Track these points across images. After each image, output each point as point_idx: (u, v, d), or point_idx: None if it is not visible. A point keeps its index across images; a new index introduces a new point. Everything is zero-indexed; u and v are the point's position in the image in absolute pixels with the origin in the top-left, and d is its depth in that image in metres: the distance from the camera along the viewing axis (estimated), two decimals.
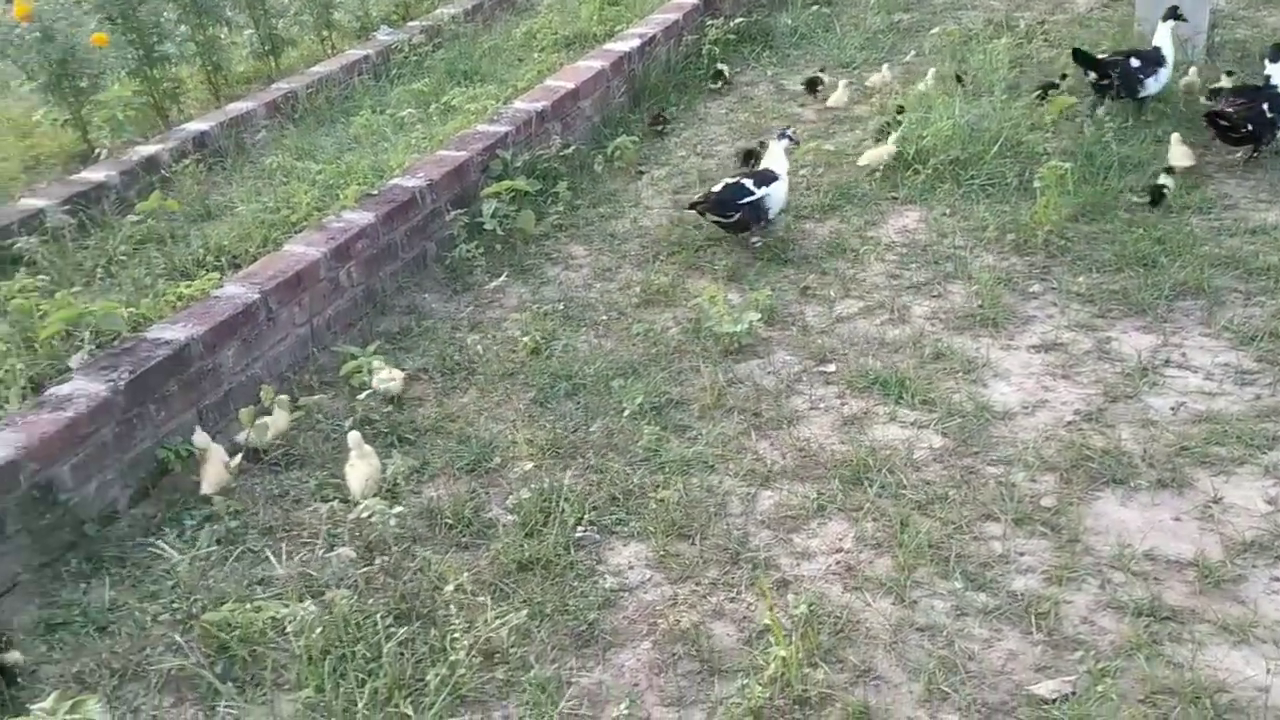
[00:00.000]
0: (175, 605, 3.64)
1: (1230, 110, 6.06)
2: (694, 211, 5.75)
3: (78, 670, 3.43)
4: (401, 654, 3.33)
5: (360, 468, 4.12)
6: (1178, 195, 5.79)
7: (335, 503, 4.04)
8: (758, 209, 5.61)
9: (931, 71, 7.38)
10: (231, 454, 4.32)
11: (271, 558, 3.81)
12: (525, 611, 3.46)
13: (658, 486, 4.07)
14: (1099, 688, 3.05)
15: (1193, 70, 6.96)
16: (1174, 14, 6.75)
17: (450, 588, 3.50)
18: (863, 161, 6.44)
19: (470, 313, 5.42)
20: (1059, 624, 3.36)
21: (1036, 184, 5.77)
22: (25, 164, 7.78)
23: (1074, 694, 3.10)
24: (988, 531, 3.75)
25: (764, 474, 4.11)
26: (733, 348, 4.89)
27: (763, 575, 3.61)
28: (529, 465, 4.22)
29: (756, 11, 9.36)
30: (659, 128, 7.42)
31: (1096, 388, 4.46)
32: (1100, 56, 6.78)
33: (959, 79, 7.23)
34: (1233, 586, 3.45)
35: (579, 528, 3.90)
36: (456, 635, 3.32)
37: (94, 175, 6.87)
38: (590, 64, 7.52)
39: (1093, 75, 6.75)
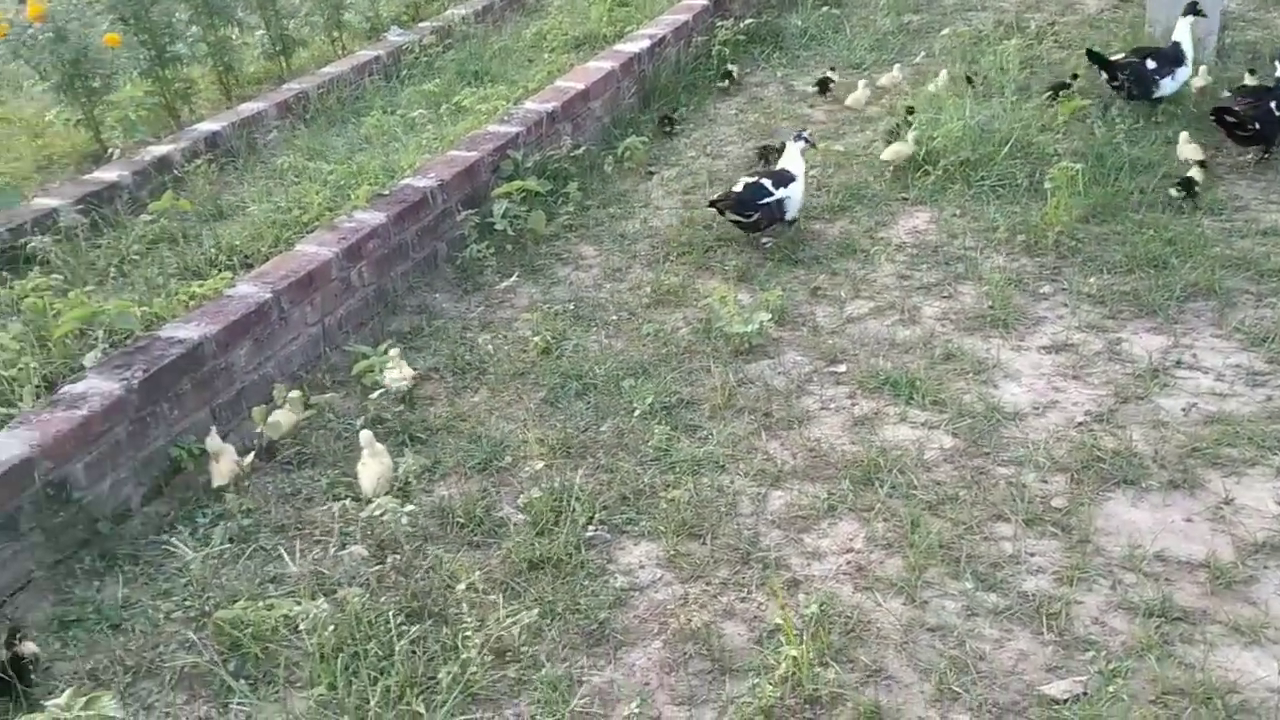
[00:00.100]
0: (188, 603, 3.66)
1: (1238, 108, 6.05)
2: (714, 209, 5.76)
3: (92, 667, 3.45)
4: (413, 652, 3.34)
5: (372, 466, 4.13)
6: (1187, 198, 5.79)
7: (347, 501, 4.05)
8: (777, 209, 5.64)
9: (943, 73, 7.37)
10: (243, 453, 4.33)
11: (285, 555, 3.83)
12: (536, 610, 3.47)
13: (668, 486, 4.07)
14: (1110, 688, 3.06)
15: (1203, 70, 6.94)
16: (1194, 9, 6.71)
17: (462, 586, 3.51)
18: (886, 156, 6.43)
19: (481, 312, 5.44)
20: (1070, 624, 3.36)
21: (1047, 185, 5.76)
22: (38, 164, 7.82)
23: (1085, 694, 3.10)
24: (998, 532, 3.76)
25: (774, 474, 4.12)
26: (743, 348, 4.90)
27: (774, 575, 3.62)
28: (540, 464, 4.23)
29: (766, 13, 9.37)
30: (667, 128, 7.44)
31: (1107, 389, 4.46)
32: (1115, 58, 6.77)
33: (969, 80, 7.22)
34: (1244, 587, 3.45)
35: (590, 527, 3.91)
36: (468, 633, 3.33)
37: (106, 175, 6.90)
38: (600, 65, 7.53)
39: (1107, 76, 6.74)
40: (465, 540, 3.91)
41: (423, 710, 3.16)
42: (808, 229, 5.95)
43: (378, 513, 3.80)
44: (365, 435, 4.20)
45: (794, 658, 3.18)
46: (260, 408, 4.53)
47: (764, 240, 5.79)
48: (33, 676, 3.35)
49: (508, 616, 3.42)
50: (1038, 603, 3.44)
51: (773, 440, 4.32)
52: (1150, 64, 6.60)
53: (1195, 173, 5.80)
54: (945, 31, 8.57)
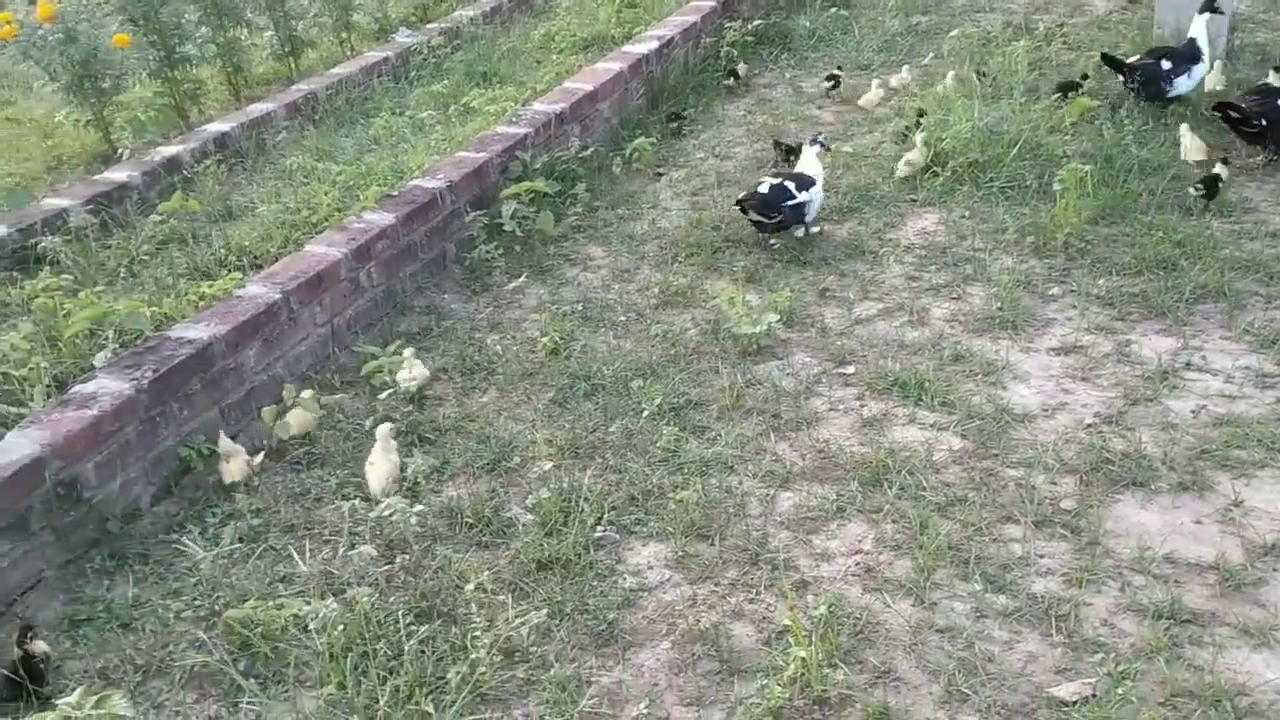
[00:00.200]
0: (198, 602, 3.67)
1: (1243, 104, 6.05)
2: (738, 208, 5.77)
3: (102, 666, 3.47)
4: (422, 652, 3.35)
5: (381, 465, 4.14)
6: (1196, 199, 5.78)
7: (356, 501, 4.06)
8: (799, 211, 5.66)
9: (950, 74, 7.37)
10: (253, 453, 4.34)
11: (294, 555, 3.84)
12: (545, 610, 3.47)
13: (677, 487, 4.08)
14: (1119, 690, 3.06)
15: (1217, 66, 6.93)
16: (1211, 6, 6.71)
17: (470, 586, 3.52)
18: (900, 172, 6.40)
19: (489, 313, 5.45)
20: (1079, 626, 3.36)
21: (1056, 186, 5.76)
22: (48, 164, 7.85)
23: (1094, 696, 3.10)
24: (1007, 533, 3.75)
25: (783, 475, 4.12)
26: (751, 349, 4.90)
27: (782, 576, 3.62)
28: (548, 465, 4.24)
29: (775, 14, 9.38)
30: (675, 125, 7.45)
31: (1116, 390, 4.45)
32: (1129, 60, 6.76)
33: (980, 74, 7.21)
34: (1253, 590, 3.44)
35: (598, 527, 3.91)
36: (477, 633, 3.34)
37: (116, 175, 6.92)
38: (608, 66, 7.53)
39: (1123, 78, 6.75)
40: (474, 540, 3.92)
41: (431, 710, 3.17)
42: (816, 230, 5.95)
43: (387, 513, 3.81)
44: (383, 429, 4.21)
45: (803, 659, 3.18)
46: (270, 408, 4.54)
47: (772, 242, 5.80)
48: (45, 676, 3.35)
49: (516, 617, 3.42)
50: (1047, 604, 3.43)
51: (781, 441, 4.32)
52: (1165, 64, 6.60)
53: (1220, 170, 5.80)
54: (954, 33, 8.56)
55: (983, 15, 9.32)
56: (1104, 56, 6.83)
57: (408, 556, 3.76)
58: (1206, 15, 6.69)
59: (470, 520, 3.99)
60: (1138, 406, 4.34)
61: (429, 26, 9.89)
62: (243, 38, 9.05)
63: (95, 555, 3.91)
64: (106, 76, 7.59)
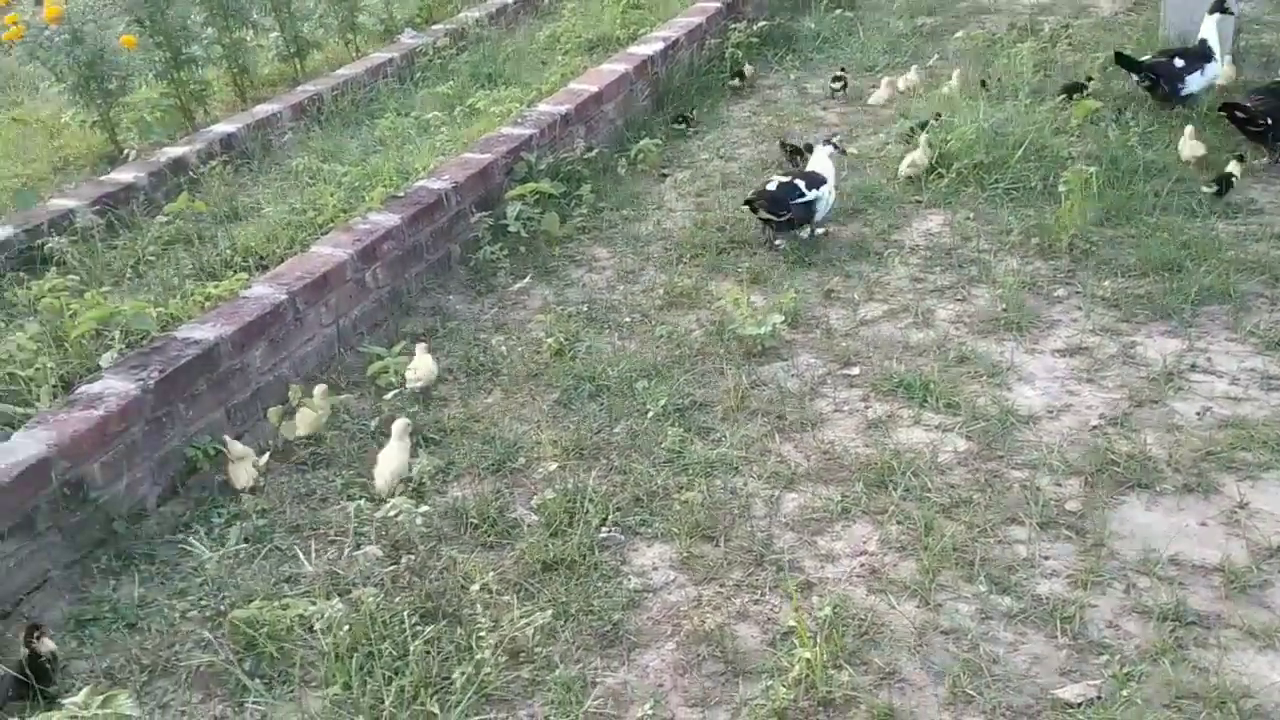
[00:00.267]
0: (204, 602, 3.68)
1: (1248, 103, 6.07)
2: (747, 206, 5.79)
3: (108, 665, 3.48)
4: (427, 652, 3.35)
5: (392, 460, 4.16)
6: (1202, 200, 5.78)
7: (362, 502, 4.06)
8: (808, 210, 5.66)
9: (955, 74, 7.37)
10: (259, 453, 4.35)
11: (300, 555, 3.85)
12: (550, 611, 3.47)
13: (682, 488, 4.08)
14: (1124, 692, 3.05)
15: (1227, 60, 6.95)
16: (1220, 7, 6.74)
17: (476, 587, 3.52)
18: (904, 171, 6.40)
19: (494, 314, 5.45)
20: (1084, 628, 3.36)
21: (1061, 188, 5.75)
22: (54, 165, 7.86)
23: (1099, 698, 3.10)
24: (1012, 535, 3.75)
25: (788, 476, 4.12)
26: (756, 350, 4.91)
27: (788, 577, 3.62)
28: (553, 466, 4.24)
29: (779, 15, 9.38)
30: (683, 125, 7.46)
31: (1121, 392, 4.45)
32: (1144, 59, 6.78)
33: (983, 83, 7.22)
34: (1259, 592, 3.44)
35: (603, 528, 3.91)
36: (482, 634, 3.34)
37: (122, 176, 6.93)
38: (613, 67, 7.54)
39: (1136, 77, 6.76)
40: (479, 541, 3.92)
41: (437, 710, 3.17)
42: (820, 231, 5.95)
43: (392, 513, 3.81)
44: (401, 424, 4.23)
45: (807, 660, 3.18)
46: (276, 408, 4.55)
47: (778, 243, 5.80)
48: (53, 675, 3.36)
49: (522, 617, 3.42)
50: (1052, 606, 3.43)
51: (786, 442, 4.32)
52: (1179, 62, 6.64)
53: (1234, 168, 5.80)
54: (959, 34, 8.57)
55: (988, 17, 9.32)
56: (1118, 55, 6.84)
57: (413, 557, 3.76)
58: (1216, 15, 6.72)
59: (475, 521, 3.99)
60: (1143, 408, 4.34)
61: (434, 28, 9.90)
62: (248, 39, 9.06)
63: (101, 555, 3.92)
64: (113, 77, 7.60)
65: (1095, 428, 4.25)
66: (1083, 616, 3.39)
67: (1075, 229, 5.56)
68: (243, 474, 4.23)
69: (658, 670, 3.35)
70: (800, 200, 5.64)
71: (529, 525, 3.96)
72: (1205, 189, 5.77)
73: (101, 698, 2.99)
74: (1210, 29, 6.69)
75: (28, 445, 3.79)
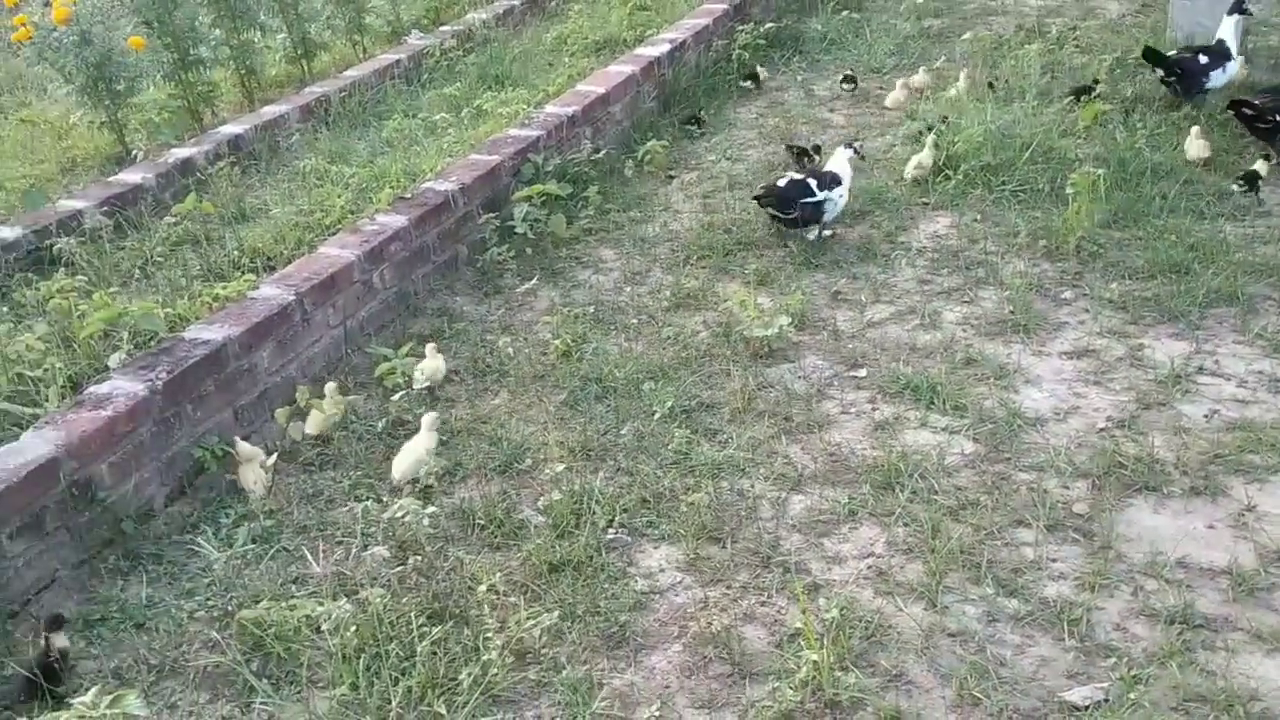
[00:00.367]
0: (211, 602, 3.69)
1: (1256, 101, 6.09)
2: (756, 203, 5.80)
3: (116, 665, 3.49)
4: (435, 653, 3.35)
5: (413, 450, 4.19)
6: (1210, 202, 5.77)
7: (369, 502, 4.07)
8: (817, 210, 5.67)
9: (962, 75, 7.36)
10: (266, 453, 4.36)
11: (308, 556, 3.86)
12: (557, 612, 3.48)
13: (688, 489, 4.08)
14: (1131, 695, 3.05)
15: (1241, 60, 6.97)
16: (1240, 8, 6.82)
17: (483, 588, 3.52)
18: (909, 173, 6.40)
19: (501, 315, 5.46)
20: (1091, 631, 3.35)
21: (1068, 190, 5.74)
22: (63, 166, 7.89)
23: (1106, 701, 3.09)
24: (1019, 537, 3.75)
25: (795, 478, 4.12)
26: (763, 352, 4.91)
27: (794, 579, 3.62)
28: (560, 467, 4.24)
29: (786, 17, 9.38)
30: (693, 127, 7.46)
31: (1129, 394, 4.44)
32: (1169, 54, 6.85)
33: (991, 85, 7.22)
34: (1266, 595, 3.44)
35: (610, 530, 3.92)
36: (489, 635, 3.35)
37: (130, 177, 6.95)
38: (620, 69, 7.54)
39: (1161, 72, 6.78)
40: (486, 542, 3.93)
41: (444, 711, 3.18)
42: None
43: (399, 514, 3.82)
44: (430, 417, 4.30)
45: (814, 662, 3.18)
46: (284, 409, 4.56)
47: (809, 235, 5.79)
48: (61, 668, 3.37)
49: (528, 618, 3.43)
50: (1059, 608, 3.43)
51: (793, 444, 4.32)
52: (1202, 59, 6.71)
53: (1260, 166, 5.81)
54: (966, 36, 8.55)
55: (995, 18, 9.31)
56: (1147, 50, 6.87)
57: (420, 558, 3.77)
58: (1236, 16, 6.79)
59: (482, 522, 4.00)
60: (1150, 411, 4.34)
61: (441, 29, 9.91)
62: (256, 40, 9.09)
63: (109, 555, 3.94)
64: (121, 79, 7.62)
65: (1102, 430, 4.25)
66: (1090, 619, 3.39)
67: (1083, 231, 5.55)
68: (251, 475, 4.23)
69: (664, 672, 3.35)
70: (809, 200, 5.63)
71: (536, 526, 3.96)
72: (1234, 185, 5.79)
73: (110, 697, 3.00)
74: (1229, 29, 6.76)
75: (36, 445, 3.81)
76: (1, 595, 3.60)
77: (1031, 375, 4.63)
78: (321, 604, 3.45)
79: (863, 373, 4.74)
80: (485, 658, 3.28)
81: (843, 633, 3.35)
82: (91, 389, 4.18)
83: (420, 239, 5.56)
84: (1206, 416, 4.28)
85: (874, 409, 4.50)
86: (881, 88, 7.96)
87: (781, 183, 5.73)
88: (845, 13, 9.47)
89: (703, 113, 7.66)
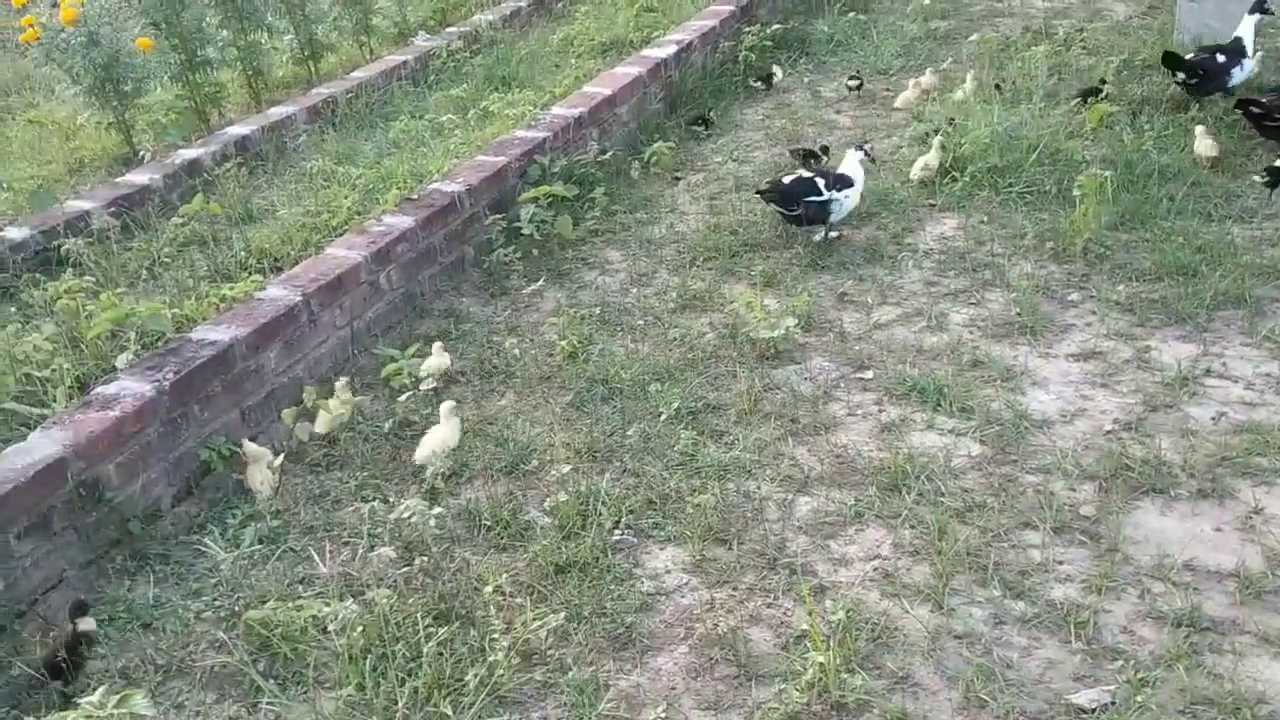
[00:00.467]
0: (218, 603, 3.70)
1: (1265, 100, 6.10)
2: (760, 196, 5.82)
3: (123, 665, 3.50)
4: (441, 654, 3.35)
5: (439, 433, 4.26)
6: (1218, 205, 5.76)
7: (376, 503, 4.08)
8: (822, 210, 5.67)
9: (969, 76, 7.36)
10: (273, 454, 4.37)
11: (314, 556, 3.86)
12: (563, 613, 3.49)
13: (694, 491, 4.08)
14: (1138, 697, 3.04)
15: (1258, 56, 6.98)
16: (1261, 8, 6.87)
17: (489, 589, 3.52)
18: (915, 174, 6.41)
19: (508, 316, 5.46)
20: (1098, 633, 3.35)
21: (1075, 192, 5.74)
22: (70, 166, 7.92)
23: (1113, 703, 3.09)
24: (1026, 540, 3.75)
25: (801, 480, 4.12)
26: (769, 353, 4.91)
27: (801, 581, 3.61)
28: (566, 468, 4.24)
29: (793, 18, 9.38)
30: (702, 127, 7.46)
31: (1136, 397, 4.44)
32: (1188, 56, 6.87)
33: (998, 87, 7.21)
34: (1273, 598, 3.42)
35: (616, 531, 3.92)
36: (495, 636, 3.35)
37: (137, 178, 6.98)
38: (627, 70, 7.55)
39: (1181, 76, 6.79)
40: (492, 543, 3.93)
41: (450, 712, 3.18)
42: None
43: (406, 515, 3.83)
44: (448, 405, 4.35)
45: (820, 664, 3.18)
46: (290, 409, 4.56)
47: (818, 237, 5.78)
48: (84, 655, 3.40)
49: (535, 619, 3.43)
50: (1066, 611, 3.42)
51: (799, 446, 4.32)
52: (1220, 57, 6.75)
53: None
54: (973, 38, 8.55)
55: (1002, 20, 9.30)
56: (1166, 54, 6.88)
57: (426, 559, 3.77)
58: (1256, 16, 6.84)
59: (489, 523, 4.00)
60: (1157, 413, 4.33)
61: (448, 30, 9.93)
62: (263, 41, 9.12)
63: (116, 555, 3.95)
64: (128, 80, 7.65)
65: (1109, 432, 4.24)
66: (1097, 622, 3.38)
67: (1089, 233, 5.54)
68: (258, 476, 4.24)
69: (670, 673, 3.35)
70: (814, 199, 5.63)
71: (542, 527, 3.97)
72: (1257, 178, 5.79)
73: (117, 697, 3.01)
74: (1247, 28, 6.81)
75: (44, 445, 3.82)
76: (9, 595, 3.62)
77: (1038, 377, 4.62)
78: (328, 604, 3.46)
79: (869, 374, 4.74)
80: (491, 658, 3.29)
81: (849, 634, 3.35)
82: (99, 389, 4.19)
83: (427, 240, 5.57)
84: (1214, 419, 4.27)
85: (880, 411, 4.50)
86: (888, 89, 7.96)
87: (788, 179, 5.72)
88: (852, 14, 9.47)
89: (711, 113, 7.66)
